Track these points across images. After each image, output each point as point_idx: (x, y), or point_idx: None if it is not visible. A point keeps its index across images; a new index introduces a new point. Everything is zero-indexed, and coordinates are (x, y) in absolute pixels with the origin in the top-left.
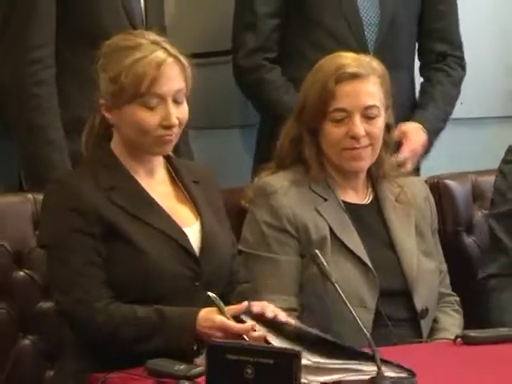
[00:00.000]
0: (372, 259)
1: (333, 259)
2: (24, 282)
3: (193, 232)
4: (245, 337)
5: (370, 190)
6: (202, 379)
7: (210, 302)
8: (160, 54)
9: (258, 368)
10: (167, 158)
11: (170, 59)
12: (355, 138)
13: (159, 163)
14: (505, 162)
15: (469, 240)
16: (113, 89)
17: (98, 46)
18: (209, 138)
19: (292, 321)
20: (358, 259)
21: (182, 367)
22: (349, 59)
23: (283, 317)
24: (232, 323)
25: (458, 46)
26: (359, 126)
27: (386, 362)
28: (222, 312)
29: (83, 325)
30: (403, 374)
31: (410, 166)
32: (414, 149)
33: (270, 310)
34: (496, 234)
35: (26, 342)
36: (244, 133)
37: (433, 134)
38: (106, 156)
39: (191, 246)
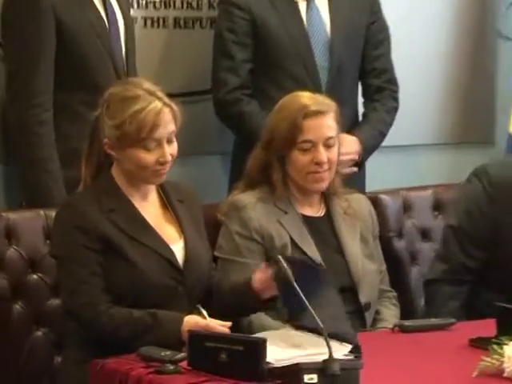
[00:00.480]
0: (325, 262)
1: None
2: (37, 283)
3: (178, 248)
4: None
5: (323, 204)
6: (184, 363)
7: (197, 311)
8: (157, 104)
9: (231, 353)
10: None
11: (166, 109)
12: (319, 164)
13: (152, 188)
14: (472, 174)
15: (400, 244)
16: (117, 134)
17: (87, 87)
18: (193, 163)
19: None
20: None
21: (167, 353)
22: (310, 99)
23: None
24: (212, 324)
25: (393, 81)
26: (323, 154)
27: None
28: (204, 318)
29: (89, 325)
30: (351, 357)
31: (341, 167)
32: (348, 152)
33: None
34: (447, 244)
35: (39, 333)
36: (222, 158)
37: (367, 150)
38: (107, 183)
39: (176, 260)
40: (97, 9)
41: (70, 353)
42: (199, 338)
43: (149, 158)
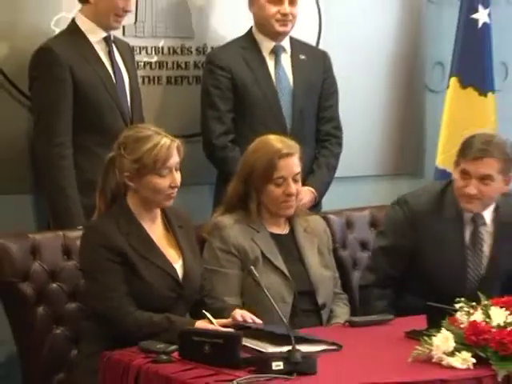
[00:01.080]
0: (289, 271)
1: (264, 272)
2: (56, 290)
3: (178, 266)
4: None
5: (287, 224)
6: (175, 354)
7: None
8: (166, 140)
9: (213, 346)
10: (162, 209)
11: (173, 143)
12: (289, 195)
13: (158, 213)
14: (395, 202)
15: (344, 253)
16: (137, 166)
17: (98, 131)
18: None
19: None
20: (281, 272)
21: (162, 346)
22: (281, 142)
23: (249, 318)
24: (220, 328)
25: (339, 128)
26: (293, 187)
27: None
28: (212, 322)
29: (116, 325)
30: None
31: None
32: (304, 203)
33: (239, 314)
34: (376, 258)
35: (58, 331)
36: (208, 188)
37: (321, 191)
38: (123, 209)
39: (178, 276)
40: (106, 67)
41: (82, 347)
42: (188, 333)
43: (163, 183)
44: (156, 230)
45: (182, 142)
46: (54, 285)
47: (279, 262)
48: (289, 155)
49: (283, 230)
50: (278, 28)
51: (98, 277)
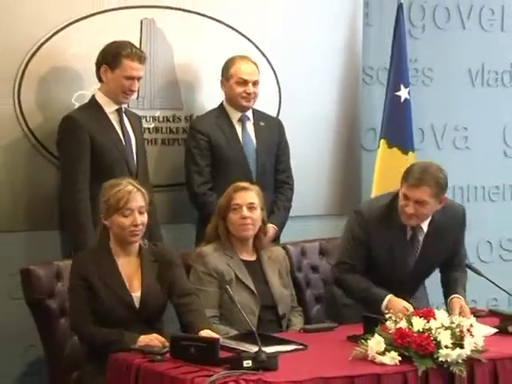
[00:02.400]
0: (257, 290)
1: (237, 290)
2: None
3: (136, 295)
4: None
5: (255, 252)
6: (168, 355)
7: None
8: (130, 187)
9: (197, 348)
10: (140, 247)
11: (137, 191)
12: (244, 218)
13: (134, 249)
14: (353, 211)
15: (299, 275)
16: (106, 207)
17: None
18: (176, 228)
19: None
20: (250, 290)
21: (157, 348)
22: (241, 183)
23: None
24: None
25: (291, 178)
26: (245, 212)
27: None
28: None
29: (78, 336)
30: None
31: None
32: (269, 237)
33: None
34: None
35: (75, 339)
36: (192, 225)
37: (280, 227)
38: (103, 244)
39: (134, 304)
40: (117, 132)
41: (82, 346)
42: (177, 338)
43: (126, 222)
44: (127, 264)
45: (168, 190)
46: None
47: (249, 283)
48: (243, 189)
49: (252, 257)
50: (244, 103)
51: (71, 297)
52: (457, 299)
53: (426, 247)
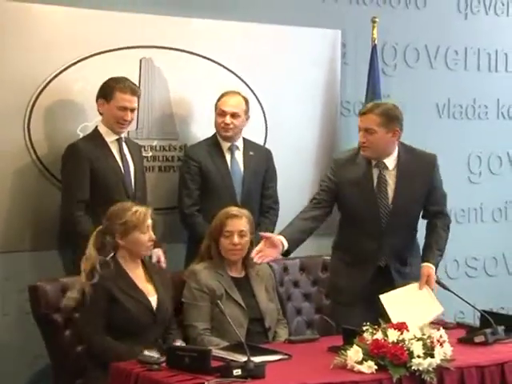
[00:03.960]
0: (245, 304)
1: (227, 305)
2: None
3: (153, 299)
4: None
5: (243, 270)
6: (164, 365)
7: None
8: (143, 209)
9: (191, 358)
10: (142, 261)
11: (149, 211)
12: (234, 244)
13: (140, 263)
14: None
15: (281, 290)
16: (124, 227)
17: (109, 205)
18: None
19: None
20: (239, 304)
21: (154, 358)
22: (233, 209)
23: None
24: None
25: (277, 202)
26: (236, 239)
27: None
28: None
29: (93, 348)
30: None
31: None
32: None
33: None
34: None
35: (79, 348)
36: (184, 245)
37: None
38: (115, 262)
39: (152, 308)
40: (116, 160)
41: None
42: (173, 349)
43: (144, 237)
44: (138, 274)
45: (164, 212)
46: (77, 315)
47: (238, 298)
48: (235, 217)
49: (240, 273)
50: (222, 133)
51: (88, 310)
52: (426, 268)
53: (398, 191)
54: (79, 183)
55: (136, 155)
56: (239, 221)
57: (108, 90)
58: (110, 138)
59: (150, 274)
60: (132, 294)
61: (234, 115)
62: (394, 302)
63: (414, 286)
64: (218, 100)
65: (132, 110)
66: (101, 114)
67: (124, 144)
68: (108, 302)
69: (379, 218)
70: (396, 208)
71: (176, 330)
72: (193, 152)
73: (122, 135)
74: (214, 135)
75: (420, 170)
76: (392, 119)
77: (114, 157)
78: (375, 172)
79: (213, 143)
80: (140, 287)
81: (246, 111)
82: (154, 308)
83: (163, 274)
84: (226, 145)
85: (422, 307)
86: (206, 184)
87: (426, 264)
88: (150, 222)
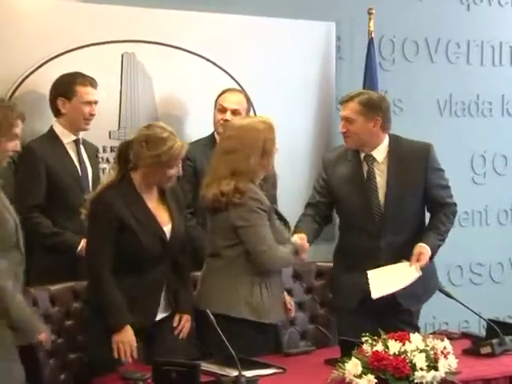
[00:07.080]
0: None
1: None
2: (71, 326)
3: (167, 229)
4: None
5: None
6: (149, 381)
7: None
8: (179, 143)
9: (178, 373)
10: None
11: (185, 144)
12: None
13: (155, 188)
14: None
15: None
16: (155, 160)
17: (64, 208)
18: None
19: None
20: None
21: (139, 375)
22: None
23: None
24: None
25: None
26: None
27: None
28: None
29: (94, 280)
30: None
31: None
32: None
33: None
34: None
35: (73, 356)
36: None
37: None
38: (129, 185)
39: (166, 237)
40: (73, 162)
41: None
42: (159, 364)
43: (172, 172)
44: (152, 200)
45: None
46: (69, 322)
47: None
48: None
49: None
50: (220, 130)
51: (96, 239)
52: (419, 247)
53: (390, 185)
54: (33, 187)
55: (93, 157)
56: None
57: (67, 87)
58: (66, 139)
59: (168, 198)
60: (143, 222)
61: (234, 112)
62: (379, 276)
63: (404, 264)
64: (219, 96)
65: (95, 103)
66: (59, 114)
67: (81, 145)
68: (117, 229)
69: (372, 214)
70: (388, 203)
71: (187, 261)
72: (188, 151)
73: (80, 136)
74: (212, 134)
75: (413, 161)
76: (372, 108)
77: (70, 159)
78: (365, 167)
79: (209, 142)
80: (154, 214)
81: (247, 110)
82: (168, 239)
83: (179, 200)
84: None
85: (401, 275)
86: (199, 185)
87: (419, 244)
88: (183, 156)
